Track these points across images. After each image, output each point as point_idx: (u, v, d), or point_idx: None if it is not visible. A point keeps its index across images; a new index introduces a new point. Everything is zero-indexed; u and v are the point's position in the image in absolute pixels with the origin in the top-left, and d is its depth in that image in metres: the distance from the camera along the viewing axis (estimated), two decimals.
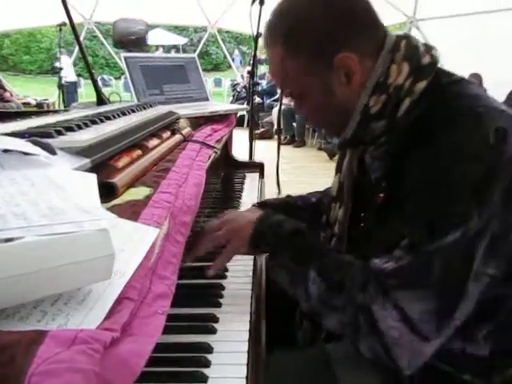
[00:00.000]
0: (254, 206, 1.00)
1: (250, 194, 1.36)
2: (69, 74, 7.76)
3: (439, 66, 0.68)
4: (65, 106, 5.49)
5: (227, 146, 1.58)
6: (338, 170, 0.85)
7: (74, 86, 8.55)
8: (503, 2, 4.72)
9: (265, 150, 5.15)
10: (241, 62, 14.15)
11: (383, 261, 0.62)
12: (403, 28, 9.00)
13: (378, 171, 0.71)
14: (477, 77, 5.42)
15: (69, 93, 8.06)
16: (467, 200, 0.56)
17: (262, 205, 1.00)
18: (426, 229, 0.58)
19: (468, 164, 0.56)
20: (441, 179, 0.58)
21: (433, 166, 0.59)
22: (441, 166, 0.58)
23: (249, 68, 7.97)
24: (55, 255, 0.28)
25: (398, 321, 0.58)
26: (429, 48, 0.68)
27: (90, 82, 1.44)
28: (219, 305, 0.73)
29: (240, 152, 1.77)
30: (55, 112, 1.39)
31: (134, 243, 0.43)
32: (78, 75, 12.94)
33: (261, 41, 2.02)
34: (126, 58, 1.45)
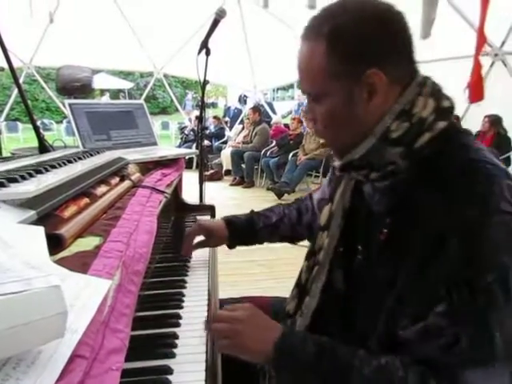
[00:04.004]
0: (222, 219, 1.12)
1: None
2: None
3: None
4: None
5: (177, 189, 1.57)
6: (330, 200, 0.84)
7: None
8: (431, 54, 5.27)
9: (215, 192, 5.17)
10: (192, 106, 14.39)
11: (422, 340, 0.57)
12: None
13: (382, 205, 0.70)
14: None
15: None
16: (504, 252, 0.54)
17: (228, 222, 1.10)
18: (466, 288, 0.54)
19: (495, 217, 0.55)
20: (470, 233, 0.55)
21: (458, 219, 0.56)
22: (468, 219, 0.56)
23: (196, 112, 8.10)
24: (4, 317, 0.27)
25: None
26: (447, 95, 0.69)
27: (28, 126, 1.39)
28: (173, 355, 0.71)
29: (190, 194, 1.76)
30: None
31: (85, 297, 0.42)
32: (16, 119, 12.44)
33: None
34: (70, 105, 1.44)
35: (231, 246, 1.14)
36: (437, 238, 0.57)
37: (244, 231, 1.10)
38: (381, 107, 0.66)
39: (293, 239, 1.14)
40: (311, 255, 0.86)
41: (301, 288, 0.86)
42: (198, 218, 1.46)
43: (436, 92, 0.67)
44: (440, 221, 0.58)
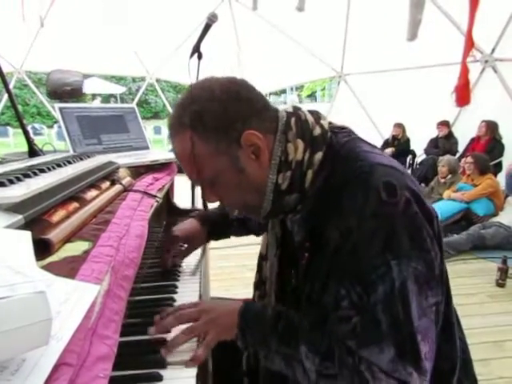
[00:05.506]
0: (191, 217, 1.15)
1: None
2: None
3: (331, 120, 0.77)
4: None
5: (169, 193, 1.56)
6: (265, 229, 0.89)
7: None
8: (422, 61, 5.39)
9: None
10: None
11: (337, 324, 0.65)
12: (333, 81, 9.77)
13: (300, 235, 0.77)
14: (400, 126, 5.99)
15: None
16: (382, 253, 0.62)
17: (203, 220, 1.13)
18: (359, 286, 0.63)
19: (371, 222, 0.62)
20: (354, 240, 0.63)
21: (345, 229, 0.64)
22: (351, 229, 0.63)
23: None
24: None
25: (380, 372, 0.61)
26: (317, 118, 0.74)
27: (19, 130, 1.38)
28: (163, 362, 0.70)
29: (182, 199, 1.75)
30: None
31: (71, 303, 0.41)
32: (6, 124, 12.34)
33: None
34: (60, 109, 1.42)
35: (206, 241, 1.17)
36: (334, 251, 0.66)
37: (219, 224, 1.14)
38: (270, 160, 0.71)
39: (258, 231, 1.14)
40: (260, 284, 0.90)
41: None
42: None
43: (302, 128, 0.72)
44: (334, 238, 0.66)
